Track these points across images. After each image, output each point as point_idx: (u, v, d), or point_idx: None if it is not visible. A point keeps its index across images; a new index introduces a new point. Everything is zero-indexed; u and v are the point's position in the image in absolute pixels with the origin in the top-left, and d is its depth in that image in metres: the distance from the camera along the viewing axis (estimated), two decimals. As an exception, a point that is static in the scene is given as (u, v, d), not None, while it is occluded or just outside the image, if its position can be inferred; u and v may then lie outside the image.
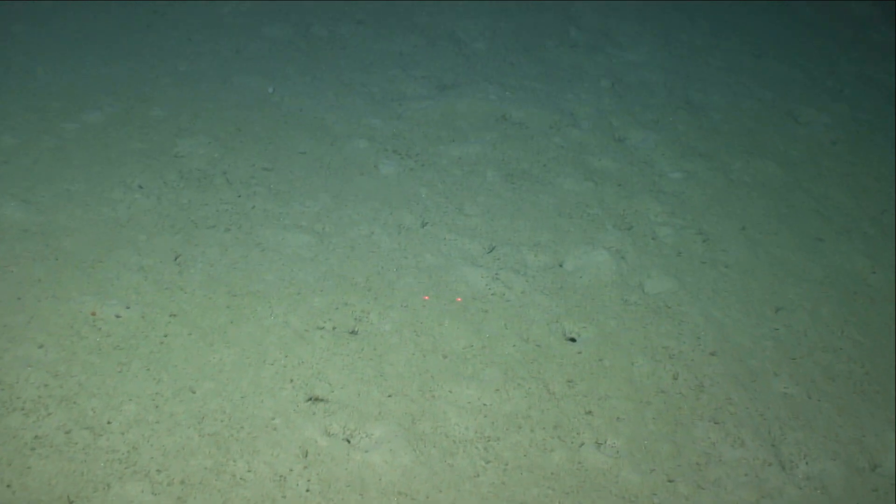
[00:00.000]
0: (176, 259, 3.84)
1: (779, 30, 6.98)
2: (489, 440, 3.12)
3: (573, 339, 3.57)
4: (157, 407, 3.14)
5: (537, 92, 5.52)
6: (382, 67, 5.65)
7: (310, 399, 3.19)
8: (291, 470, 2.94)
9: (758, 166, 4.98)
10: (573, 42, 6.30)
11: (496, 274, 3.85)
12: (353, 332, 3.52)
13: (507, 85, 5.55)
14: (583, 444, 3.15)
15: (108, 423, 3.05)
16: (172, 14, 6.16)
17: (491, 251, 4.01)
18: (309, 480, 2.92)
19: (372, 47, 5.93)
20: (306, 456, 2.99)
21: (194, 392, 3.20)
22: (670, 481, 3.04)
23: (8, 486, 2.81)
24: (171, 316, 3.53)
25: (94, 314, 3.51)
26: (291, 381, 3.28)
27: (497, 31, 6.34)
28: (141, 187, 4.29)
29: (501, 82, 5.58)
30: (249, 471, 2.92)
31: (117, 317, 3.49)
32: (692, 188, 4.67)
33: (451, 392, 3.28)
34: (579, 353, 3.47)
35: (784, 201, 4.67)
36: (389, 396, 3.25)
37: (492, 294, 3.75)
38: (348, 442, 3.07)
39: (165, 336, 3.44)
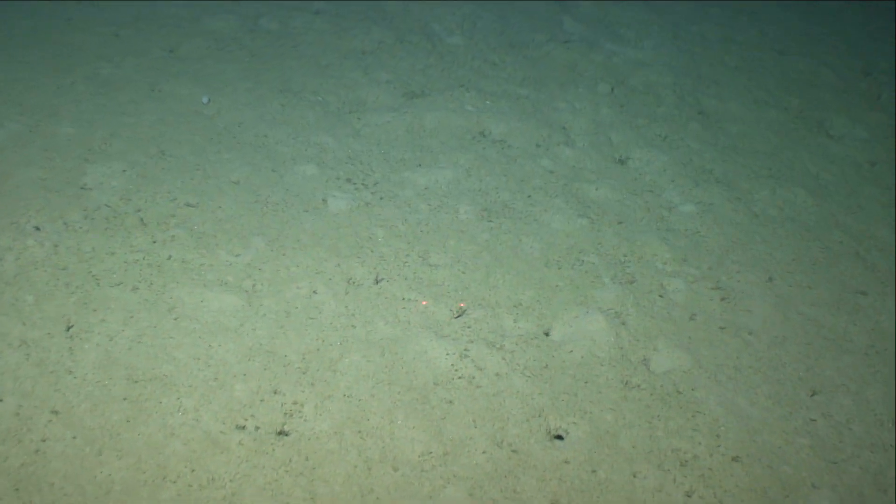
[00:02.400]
0: (68, 330, 3.20)
1: (803, 21, 6.32)
2: None
3: (560, 437, 2.93)
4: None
5: (523, 100, 4.87)
6: (340, 70, 4.99)
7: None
8: None
9: (785, 196, 4.35)
10: (567, 36, 5.64)
11: (465, 349, 3.21)
12: (282, 434, 2.88)
13: (486, 91, 4.89)
14: None
15: None
16: (100, 5, 5.47)
17: (460, 316, 3.37)
18: None
19: (329, 44, 5.26)
20: None
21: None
22: None
23: None
24: (52, 413, 2.89)
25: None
26: (192, 514, 2.65)
27: (478, 23, 5.67)
28: (37, 229, 3.65)
29: (480, 88, 4.92)
30: None
31: (-23, 418, 2.86)
32: (708, 226, 4.04)
33: (399, 529, 2.66)
34: (567, 462, 2.84)
35: (818, 242, 4.04)
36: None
37: (459, 377, 3.11)
38: None
39: (43, 441, 2.80)
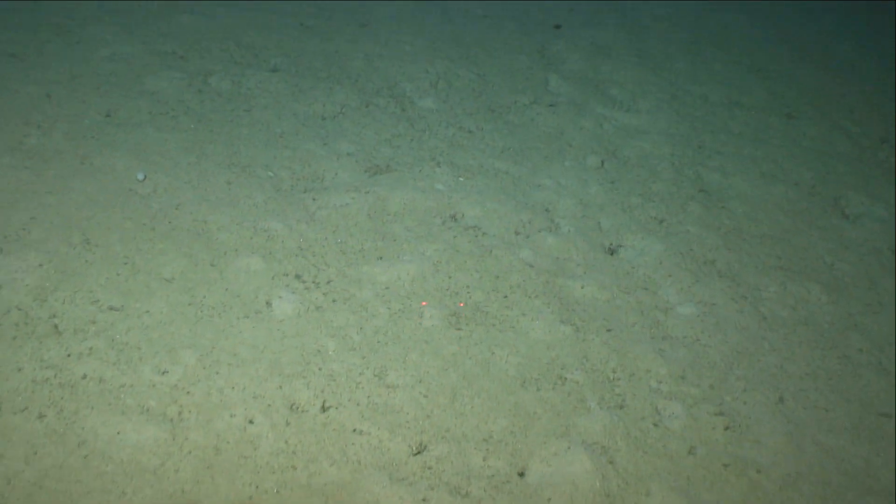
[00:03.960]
0: (-45, 469, 2.86)
1: (816, 78, 6.06)
2: None
3: None
4: None
5: (501, 176, 4.56)
6: (296, 139, 4.68)
7: None
8: None
9: (797, 292, 4.04)
10: (553, 98, 5.35)
11: (424, 498, 2.86)
12: None
13: (461, 165, 4.58)
14: None
15: None
16: (33, 60, 5.17)
17: (420, 452, 3.04)
18: None
19: (286, 108, 4.95)
20: None
21: None
22: None
23: None
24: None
25: None
26: None
27: (454, 83, 5.37)
28: (-69, 336, 3.32)
29: (454, 161, 4.61)
30: None
31: None
32: (710, 332, 3.72)
33: None
34: None
35: (834, 350, 3.73)
36: None
37: (416, 535, 2.78)
38: None
39: None
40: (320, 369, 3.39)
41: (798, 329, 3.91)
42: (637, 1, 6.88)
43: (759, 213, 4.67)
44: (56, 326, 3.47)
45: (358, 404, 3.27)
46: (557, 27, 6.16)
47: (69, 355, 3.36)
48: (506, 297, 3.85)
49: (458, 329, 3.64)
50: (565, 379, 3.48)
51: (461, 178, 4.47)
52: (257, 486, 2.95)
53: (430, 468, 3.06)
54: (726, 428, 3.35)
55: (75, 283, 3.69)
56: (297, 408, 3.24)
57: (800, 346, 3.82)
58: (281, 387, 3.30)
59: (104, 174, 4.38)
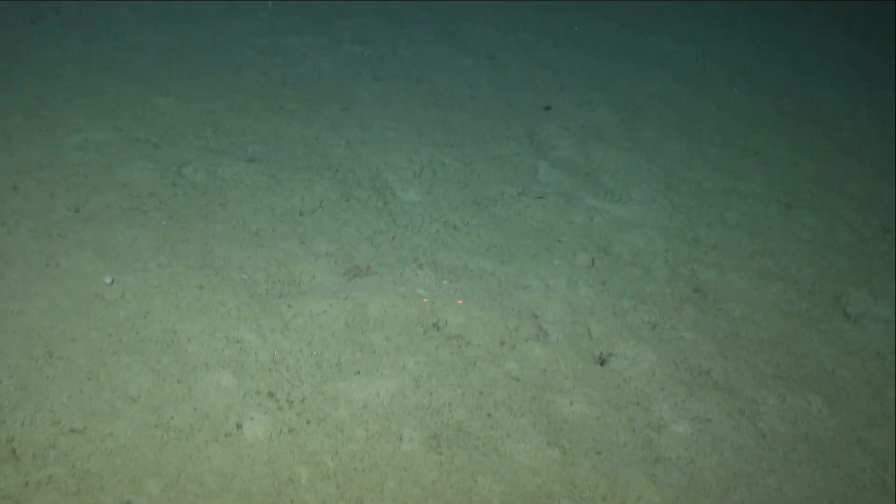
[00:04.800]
0: None
1: (816, 162, 6.05)
2: None
3: None
4: None
5: (487, 278, 4.51)
6: (273, 237, 4.62)
7: None
8: None
9: (797, 404, 3.99)
10: (542, 189, 5.32)
11: None
12: None
13: (444, 266, 4.53)
14: None
15: None
16: (1, 147, 5.13)
17: None
18: None
19: (262, 202, 4.91)
20: None
21: None
22: None
23: None
24: None
25: None
26: None
27: (439, 172, 5.34)
28: None
29: (437, 261, 4.56)
30: None
31: None
32: (705, 452, 3.66)
33: None
34: None
35: (837, 469, 3.67)
36: None
37: None
38: None
39: None
40: (292, 501, 3.30)
41: (798, 447, 3.84)
42: (629, 81, 6.87)
43: (757, 314, 4.61)
44: (14, 451, 3.40)
45: (331, 542, 3.18)
46: (548, 108, 6.15)
47: (27, 484, 3.28)
48: (490, 415, 3.78)
49: (439, 453, 3.57)
50: (552, 509, 3.40)
51: (445, 282, 4.42)
52: None
53: None
54: (722, 565, 3.26)
55: (36, 402, 3.61)
56: (267, 546, 3.15)
57: (800, 466, 3.75)
58: (249, 522, 3.21)
59: (71, 277, 4.31)
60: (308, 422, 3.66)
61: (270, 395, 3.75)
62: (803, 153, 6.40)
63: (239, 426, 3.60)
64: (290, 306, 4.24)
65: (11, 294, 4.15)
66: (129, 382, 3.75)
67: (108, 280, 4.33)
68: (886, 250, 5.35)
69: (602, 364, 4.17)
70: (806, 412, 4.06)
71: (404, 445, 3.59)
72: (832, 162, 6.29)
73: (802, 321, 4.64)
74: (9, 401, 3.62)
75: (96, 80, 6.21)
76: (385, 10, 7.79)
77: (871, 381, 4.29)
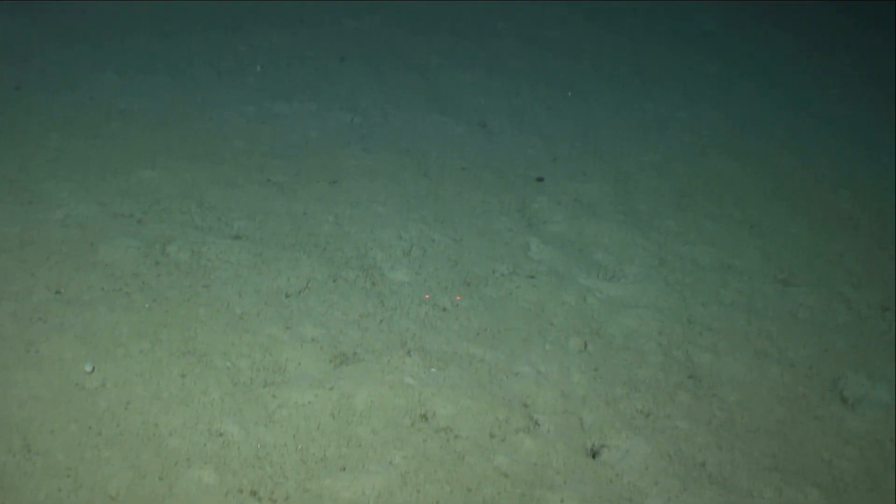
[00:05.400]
0: None
1: (814, 236, 6.07)
2: None
3: None
4: None
5: (477, 364, 4.51)
6: (258, 321, 4.63)
7: None
8: None
9: (795, 499, 4.03)
10: (534, 267, 5.33)
11: None
12: None
13: (433, 352, 4.53)
14: None
15: None
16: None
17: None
18: None
19: (248, 283, 4.92)
20: None
21: None
22: None
23: None
24: None
25: None
26: None
27: (428, 250, 5.36)
28: None
29: (426, 347, 4.56)
30: None
31: None
32: (699, 554, 3.63)
33: None
34: None
35: (835, 572, 3.63)
36: None
37: None
38: None
39: None
40: None
41: (795, 546, 3.82)
42: (623, 149, 6.90)
43: (753, 401, 4.61)
44: (-14, 558, 3.36)
45: None
46: (540, 180, 6.18)
47: None
48: (478, 514, 3.76)
49: (426, 556, 3.54)
50: None
51: (433, 369, 4.41)
52: None
53: None
54: None
55: (13, 500, 3.59)
56: None
57: (797, 567, 3.72)
58: None
59: (50, 364, 4.31)
60: (291, 523, 3.63)
61: (253, 493, 3.73)
62: (800, 224, 6.42)
63: (220, 528, 3.58)
64: (274, 396, 4.23)
65: (-13, 384, 4.14)
66: (109, 479, 3.74)
67: (88, 368, 4.32)
68: (885, 329, 5.36)
69: (594, 456, 4.16)
70: (803, 507, 4.04)
71: (390, 548, 3.57)
72: (830, 234, 6.31)
73: (799, 407, 4.63)
74: (-16, 500, 3.59)
75: (81, 150, 6.23)
76: (375, 74, 7.84)
77: (869, 471, 4.28)
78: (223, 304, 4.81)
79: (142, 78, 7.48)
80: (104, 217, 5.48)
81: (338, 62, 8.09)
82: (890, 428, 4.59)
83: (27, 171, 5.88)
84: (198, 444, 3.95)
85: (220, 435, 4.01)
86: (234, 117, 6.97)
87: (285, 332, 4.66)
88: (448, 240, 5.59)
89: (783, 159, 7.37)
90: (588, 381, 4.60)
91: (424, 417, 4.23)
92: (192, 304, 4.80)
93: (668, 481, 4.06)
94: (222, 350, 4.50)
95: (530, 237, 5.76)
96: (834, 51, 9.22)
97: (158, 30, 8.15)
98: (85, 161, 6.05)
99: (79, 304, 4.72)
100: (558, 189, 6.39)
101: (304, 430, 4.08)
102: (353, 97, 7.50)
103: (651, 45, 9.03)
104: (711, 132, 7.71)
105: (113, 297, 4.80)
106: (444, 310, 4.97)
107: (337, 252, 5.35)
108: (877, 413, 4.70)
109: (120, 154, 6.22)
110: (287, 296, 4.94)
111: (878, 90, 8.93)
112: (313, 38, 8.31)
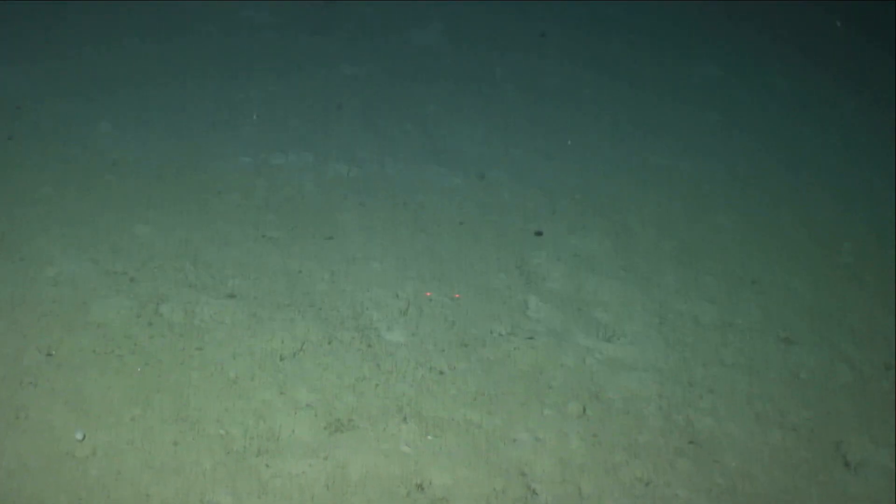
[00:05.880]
0: None
1: (812, 292, 6.08)
2: None
3: None
4: None
5: (474, 430, 4.51)
6: (252, 385, 4.63)
7: None
8: None
9: (796, 572, 3.94)
10: (532, 327, 5.34)
11: None
12: None
13: (429, 418, 4.53)
14: None
15: None
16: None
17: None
18: None
19: (242, 345, 4.92)
20: None
21: None
22: None
23: None
24: None
25: None
26: None
27: (425, 308, 5.37)
28: None
29: (422, 413, 4.56)
30: None
31: None
32: None
33: None
34: None
35: None
36: None
37: None
38: None
39: None
40: None
41: None
42: (624, 202, 6.92)
43: (755, 467, 4.61)
44: None
45: None
46: (539, 234, 6.19)
47: None
48: (475, 590, 3.75)
49: None
50: None
51: (430, 437, 4.41)
52: None
53: None
54: None
55: (-2, 578, 3.57)
56: None
57: None
58: None
59: (40, 432, 4.31)
60: None
61: (246, 569, 3.71)
62: (802, 280, 6.43)
63: None
64: (268, 466, 4.22)
65: (-24, 452, 4.14)
66: (98, 555, 3.71)
67: (79, 436, 4.32)
68: (888, 389, 5.36)
69: (593, 528, 4.14)
70: (806, 581, 4.03)
71: None
72: (832, 290, 6.32)
73: (801, 473, 4.63)
74: (-29, 577, 3.58)
75: (73, 203, 6.24)
76: (372, 124, 7.86)
77: (873, 543, 4.27)
78: (217, 368, 4.81)
79: (136, 128, 7.50)
80: (97, 275, 5.49)
81: (335, 110, 8.10)
82: (889, 493, 4.58)
83: (18, 228, 5.89)
84: (189, 516, 3.94)
85: (213, 506, 3.99)
86: (229, 169, 6.98)
87: (279, 397, 4.66)
88: (445, 299, 5.60)
89: (785, 210, 7.37)
90: (587, 448, 4.59)
91: (420, 487, 4.23)
92: (186, 367, 4.80)
93: (668, 554, 4.05)
94: (215, 417, 4.49)
95: (529, 295, 5.77)
96: (836, 99, 9.24)
97: (153, 79, 8.17)
98: (78, 215, 6.06)
99: (70, 368, 4.73)
100: (557, 244, 6.39)
101: (297, 502, 4.08)
102: (350, 147, 7.51)
103: (651, 93, 9.04)
104: (712, 184, 7.72)
105: (105, 359, 4.81)
106: (441, 373, 4.98)
107: (332, 311, 5.35)
108: (879, 477, 4.70)
109: (113, 208, 6.23)
110: (282, 358, 4.93)
111: (879, 141, 8.94)
112: (310, 85, 8.33)
